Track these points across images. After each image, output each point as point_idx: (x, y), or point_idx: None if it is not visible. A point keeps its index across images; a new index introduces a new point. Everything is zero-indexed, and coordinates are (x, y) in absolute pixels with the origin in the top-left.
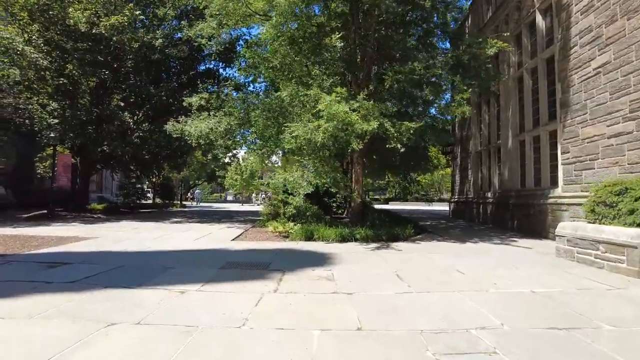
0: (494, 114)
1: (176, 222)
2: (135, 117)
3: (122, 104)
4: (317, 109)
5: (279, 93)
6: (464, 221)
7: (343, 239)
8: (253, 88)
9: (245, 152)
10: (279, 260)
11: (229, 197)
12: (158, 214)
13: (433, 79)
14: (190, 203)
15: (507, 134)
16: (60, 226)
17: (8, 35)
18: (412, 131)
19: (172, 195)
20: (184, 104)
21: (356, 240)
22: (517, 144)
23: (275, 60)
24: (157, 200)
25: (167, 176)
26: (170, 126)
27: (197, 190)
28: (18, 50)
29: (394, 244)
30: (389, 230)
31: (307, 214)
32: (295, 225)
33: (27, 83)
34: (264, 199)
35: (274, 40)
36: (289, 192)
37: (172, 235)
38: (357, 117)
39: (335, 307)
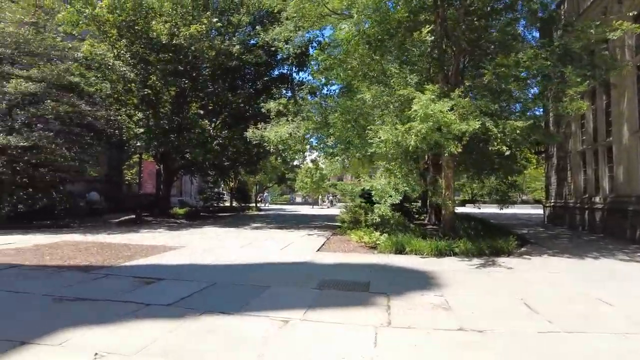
0: (601, 108)
1: (256, 228)
2: (213, 124)
3: (202, 112)
4: (411, 109)
5: (361, 95)
6: (564, 229)
7: (440, 253)
8: (327, 91)
9: (317, 156)
10: (377, 279)
11: (298, 199)
12: (236, 218)
13: (537, 72)
14: (260, 205)
15: (622, 129)
16: (147, 233)
17: (101, 52)
18: (518, 131)
19: (247, 198)
20: (263, 109)
21: (454, 254)
22: (636, 141)
23: (353, 61)
24: (234, 203)
25: (242, 180)
26: (250, 133)
27: (265, 193)
28: (109, 65)
29: (500, 260)
30: (489, 242)
31: (391, 222)
32: (381, 235)
33: (116, 96)
34: (331, 200)
35: (351, 40)
36: (367, 197)
37: (256, 244)
38: (454, 116)
39: (475, 354)
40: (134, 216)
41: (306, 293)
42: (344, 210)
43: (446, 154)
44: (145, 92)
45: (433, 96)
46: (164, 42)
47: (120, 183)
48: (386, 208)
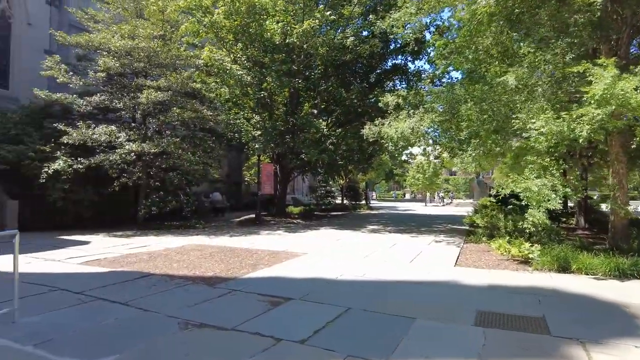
0: None
1: (374, 230)
2: (326, 123)
3: (315, 111)
4: (589, 91)
5: (502, 78)
6: None
7: (621, 274)
8: (448, 79)
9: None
10: (554, 313)
11: (407, 196)
12: (350, 218)
13: None
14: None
15: None
16: (267, 235)
17: (219, 57)
18: None
19: (358, 196)
20: (380, 103)
21: None
22: None
23: (485, 40)
24: (345, 201)
25: (352, 178)
26: (367, 130)
27: (372, 192)
28: (227, 69)
29: None
30: None
31: (540, 229)
32: (532, 246)
33: (234, 100)
34: (442, 198)
35: (482, 17)
36: (501, 199)
37: (380, 253)
38: None
39: None
40: (253, 215)
41: (465, 333)
42: (472, 212)
43: (615, 146)
44: (261, 95)
45: (617, 72)
46: (277, 43)
47: (239, 183)
48: (542, 215)
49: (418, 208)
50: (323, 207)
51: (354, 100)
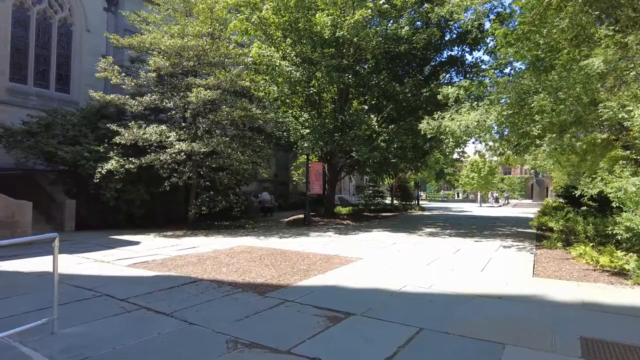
0: None
1: (431, 234)
2: (376, 119)
3: (365, 107)
4: None
5: (587, 61)
6: None
7: None
8: (510, 70)
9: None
10: None
11: (458, 196)
12: (403, 220)
13: None
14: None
15: None
16: (318, 237)
17: (268, 53)
18: None
19: (408, 196)
20: (439, 96)
21: None
22: None
23: (561, 22)
24: (395, 202)
25: (402, 177)
26: (424, 125)
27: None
28: (276, 66)
29: None
30: None
31: (636, 236)
32: (627, 255)
33: (282, 98)
34: (495, 198)
35: None
36: (573, 200)
37: (443, 259)
38: None
39: None
40: (301, 216)
41: None
42: (538, 213)
43: None
44: (311, 92)
45: None
46: (326, 37)
47: (287, 183)
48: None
49: (472, 209)
50: (372, 207)
51: (407, 95)
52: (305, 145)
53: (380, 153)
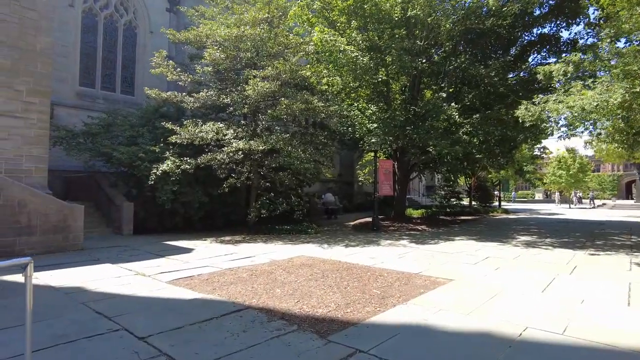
0: None
1: (528, 243)
2: (456, 108)
3: (443, 95)
4: None
5: None
6: None
7: None
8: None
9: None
10: None
11: (538, 196)
12: (486, 225)
13: None
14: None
15: None
16: (390, 246)
17: (332, 37)
18: None
19: (488, 197)
20: (540, 75)
21: None
22: None
23: None
24: (473, 203)
25: (481, 176)
26: (522, 111)
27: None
28: (340, 50)
29: None
30: None
31: None
32: None
33: (347, 90)
34: (580, 198)
35: None
36: None
37: (560, 282)
38: None
39: None
40: (368, 219)
41: None
42: None
43: None
44: (379, 80)
45: None
46: (396, 19)
47: (351, 183)
48: None
49: (561, 211)
50: (448, 210)
51: (494, 79)
52: (373, 140)
53: (463, 147)
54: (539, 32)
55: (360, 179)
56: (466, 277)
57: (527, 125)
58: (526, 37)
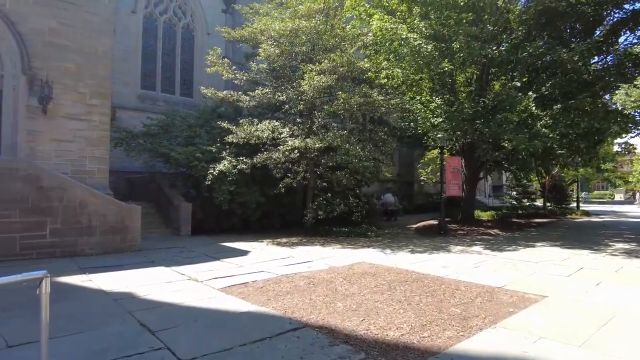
0: None
1: (628, 252)
2: (531, 99)
3: (518, 84)
4: None
5: None
6: None
7: None
8: None
9: None
10: None
11: (616, 196)
12: (567, 228)
13: None
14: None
15: None
16: (462, 253)
17: (393, 26)
18: None
19: (564, 198)
20: None
21: None
22: None
23: None
24: (548, 205)
25: (556, 175)
26: (620, 96)
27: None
28: (402, 37)
29: None
30: None
31: None
32: None
33: (409, 82)
34: None
35: None
36: None
37: None
38: None
39: None
40: (432, 221)
41: None
42: None
43: None
44: (445, 69)
45: None
46: (461, 3)
47: (411, 182)
48: None
49: None
50: (519, 211)
51: (578, 63)
52: (439, 136)
53: (542, 142)
54: (631, 7)
55: (422, 178)
56: (562, 293)
57: (629, 110)
58: (616, 15)
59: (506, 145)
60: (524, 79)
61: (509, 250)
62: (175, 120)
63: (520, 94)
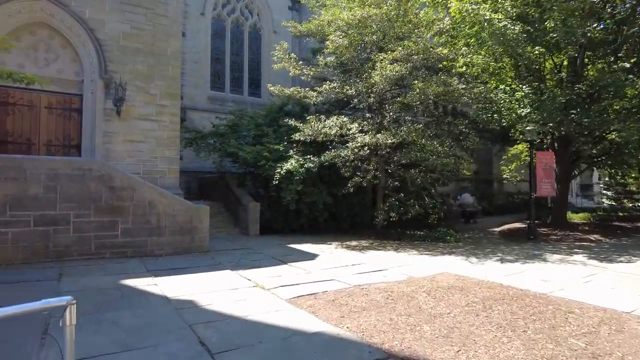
0: None
1: None
2: None
3: (627, 66)
4: None
5: None
6: None
7: None
8: None
9: None
10: None
11: None
12: None
13: None
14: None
15: None
16: (562, 263)
17: (474, 6)
18: None
19: None
20: None
21: None
22: None
23: None
24: None
25: None
26: None
27: None
28: (485, 21)
29: None
30: None
31: None
32: None
33: (491, 69)
34: None
35: None
36: None
37: None
38: None
39: None
40: (517, 224)
41: None
42: None
43: None
44: (536, 52)
45: None
46: None
47: (490, 181)
48: None
49: None
50: (620, 214)
51: None
52: (529, 128)
53: None
54: None
55: (505, 176)
56: None
57: None
58: None
59: (614, 136)
60: (632, 60)
61: (621, 262)
62: (243, 120)
63: (631, 76)
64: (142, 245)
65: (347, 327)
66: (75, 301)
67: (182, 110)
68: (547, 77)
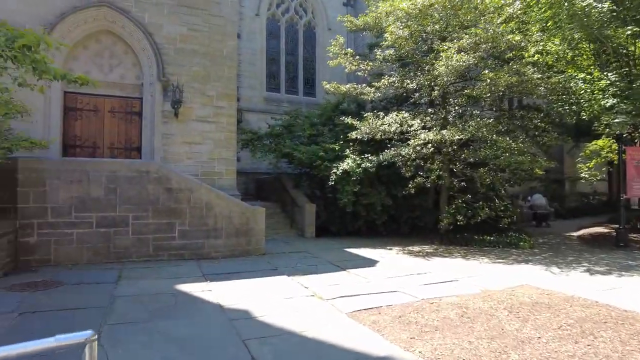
0: None
1: None
2: None
3: None
4: None
5: None
6: None
7: None
8: None
9: None
10: None
11: None
12: None
13: None
14: None
15: None
16: None
17: None
18: None
19: None
20: None
21: None
22: None
23: None
24: None
25: None
26: None
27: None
28: (565, 1)
29: None
30: None
31: None
32: None
33: (567, 57)
34: None
35: None
36: None
37: None
38: None
39: None
40: (598, 229)
41: None
42: None
43: None
44: (628, 32)
45: None
46: None
47: (562, 181)
48: None
49: None
50: None
51: None
52: (617, 121)
53: None
54: None
55: (583, 174)
56: None
57: None
58: None
59: None
60: None
61: None
62: (298, 120)
63: None
64: (199, 248)
65: (420, 352)
66: (96, 336)
67: (238, 112)
68: (638, 61)
